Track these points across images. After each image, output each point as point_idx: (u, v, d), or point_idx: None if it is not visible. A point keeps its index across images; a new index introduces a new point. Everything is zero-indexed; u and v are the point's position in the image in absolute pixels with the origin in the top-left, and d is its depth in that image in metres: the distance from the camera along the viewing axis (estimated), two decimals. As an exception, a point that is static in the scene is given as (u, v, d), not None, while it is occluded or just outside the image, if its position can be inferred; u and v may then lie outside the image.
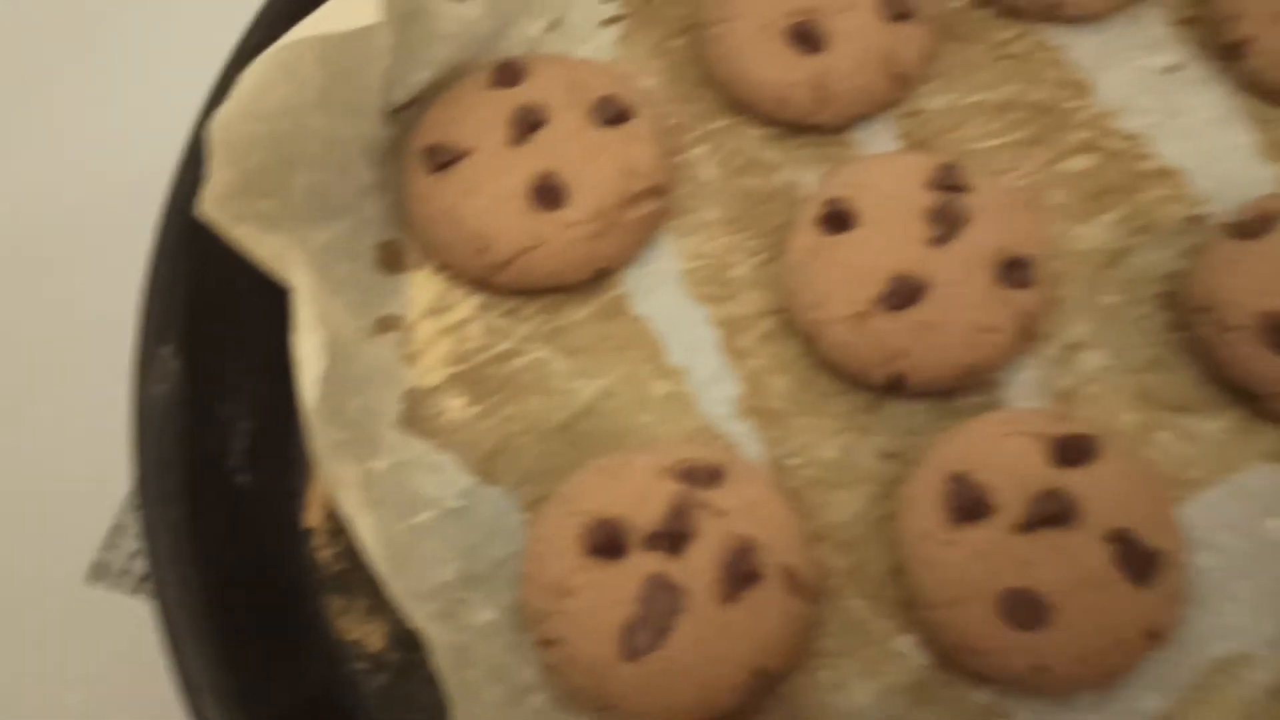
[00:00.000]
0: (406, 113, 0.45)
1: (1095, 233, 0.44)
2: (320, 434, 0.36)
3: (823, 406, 0.41)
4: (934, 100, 0.47)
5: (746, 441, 0.41)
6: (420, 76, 0.45)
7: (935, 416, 0.41)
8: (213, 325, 0.38)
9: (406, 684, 0.38)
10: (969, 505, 0.37)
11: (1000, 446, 0.38)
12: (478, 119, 0.43)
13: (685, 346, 0.43)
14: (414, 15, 0.43)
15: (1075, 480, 0.37)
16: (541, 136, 0.43)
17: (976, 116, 0.46)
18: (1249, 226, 0.41)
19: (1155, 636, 0.36)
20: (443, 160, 0.43)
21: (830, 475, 0.40)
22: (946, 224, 0.41)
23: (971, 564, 0.36)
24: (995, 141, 0.46)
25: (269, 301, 0.38)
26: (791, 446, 0.41)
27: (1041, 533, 0.36)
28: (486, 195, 0.42)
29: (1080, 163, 0.45)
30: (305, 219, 0.41)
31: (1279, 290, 0.39)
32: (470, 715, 0.36)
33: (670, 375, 0.42)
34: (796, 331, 0.42)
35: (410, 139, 0.44)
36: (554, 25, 0.48)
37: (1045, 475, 0.37)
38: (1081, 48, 0.47)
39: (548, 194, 0.42)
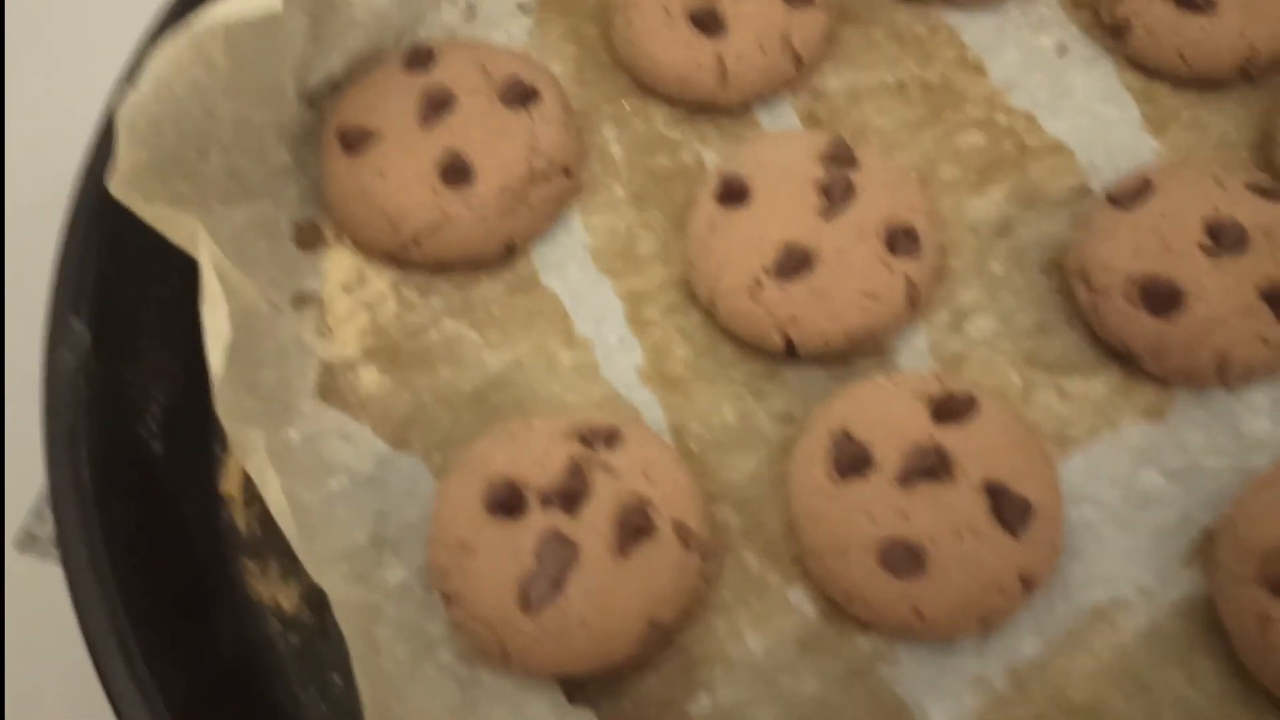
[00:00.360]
0: (323, 97, 0.47)
1: (986, 205, 0.46)
2: (229, 402, 0.37)
3: (722, 373, 0.43)
4: (834, 80, 0.49)
5: (649, 407, 0.43)
6: (335, 63, 0.46)
7: (830, 381, 0.43)
8: (126, 298, 0.40)
9: (320, 643, 0.40)
10: (852, 460, 0.38)
11: (883, 406, 0.40)
12: (389, 102, 0.45)
13: (592, 318, 0.44)
14: (327, 4, 0.45)
15: (952, 436, 0.39)
16: (450, 118, 0.44)
17: (875, 96, 0.48)
18: (1126, 196, 0.43)
19: (1029, 583, 0.38)
20: (355, 141, 0.44)
21: (729, 438, 0.42)
22: (835, 197, 0.42)
23: (853, 516, 0.38)
24: (892, 119, 0.48)
25: (184, 275, 0.39)
26: (692, 411, 0.43)
27: (919, 485, 0.38)
28: (397, 175, 0.44)
29: (973, 139, 0.47)
30: (221, 198, 0.42)
31: (1150, 254, 0.41)
32: (377, 670, 0.37)
33: (577, 346, 0.44)
34: (697, 302, 0.44)
35: (327, 122, 0.46)
36: (469, 13, 0.50)
37: (924, 431, 0.39)
38: (976, 29, 0.49)
39: (455, 172, 0.44)
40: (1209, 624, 0.38)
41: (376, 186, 0.44)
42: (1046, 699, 0.37)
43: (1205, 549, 0.39)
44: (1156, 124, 0.47)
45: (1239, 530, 0.38)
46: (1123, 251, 0.42)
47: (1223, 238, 0.41)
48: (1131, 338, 0.41)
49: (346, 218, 0.45)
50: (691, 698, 0.38)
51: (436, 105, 0.44)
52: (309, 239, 0.45)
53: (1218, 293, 0.40)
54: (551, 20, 0.50)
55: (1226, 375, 0.41)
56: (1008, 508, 0.37)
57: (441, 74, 0.45)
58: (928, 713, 0.38)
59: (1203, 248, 0.41)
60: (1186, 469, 0.41)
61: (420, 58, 0.46)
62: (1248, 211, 0.42)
